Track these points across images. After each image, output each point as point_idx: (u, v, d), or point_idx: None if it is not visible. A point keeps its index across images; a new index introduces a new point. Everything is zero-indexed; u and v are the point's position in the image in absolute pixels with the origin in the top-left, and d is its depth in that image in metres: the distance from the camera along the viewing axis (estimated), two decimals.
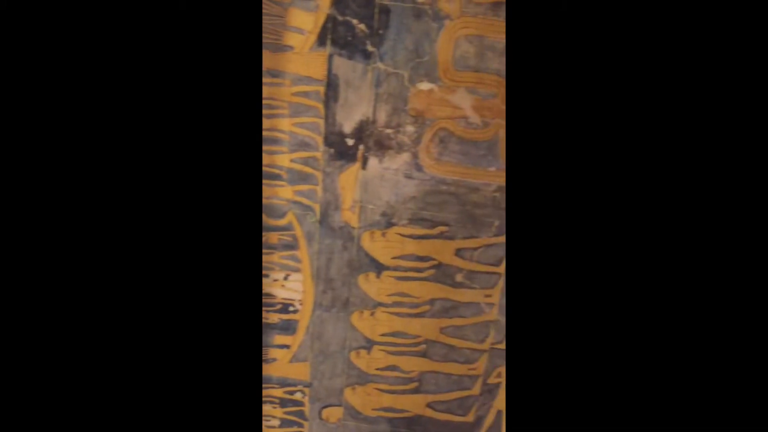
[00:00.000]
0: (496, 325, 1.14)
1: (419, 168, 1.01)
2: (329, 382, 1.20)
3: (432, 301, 1.13)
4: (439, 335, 1.15)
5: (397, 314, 1.14)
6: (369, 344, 1.17)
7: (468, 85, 0.95)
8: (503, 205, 1.04)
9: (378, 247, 1.08)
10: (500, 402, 1.21)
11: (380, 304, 1.13)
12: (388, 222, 1.06)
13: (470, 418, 1.22)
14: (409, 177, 1.02)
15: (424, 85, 0.96)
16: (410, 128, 0.99)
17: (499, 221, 1.06)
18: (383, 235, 1.07)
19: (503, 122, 0.98)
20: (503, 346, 1.16)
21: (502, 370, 1.18)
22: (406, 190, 1.03)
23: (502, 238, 1.07)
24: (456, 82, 0.95)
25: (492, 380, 1.19)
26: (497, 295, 1.12)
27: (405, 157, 1.01)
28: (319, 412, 1.23)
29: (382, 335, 1.16)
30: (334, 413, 1.22)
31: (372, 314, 1.14)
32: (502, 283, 1.10)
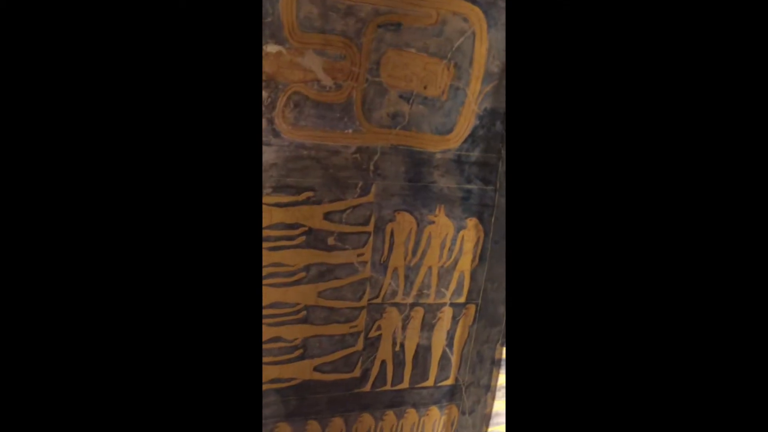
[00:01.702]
0: (371, 281, 1.20)
1: (277, 134, 1.00)
2: None
3: (307, 268, 1.14)
4: (317, 299, 1.18)
5: (273, 285, 1.13)
6: None
7: (316, 47, 0.95)
8: (365, 165, 1.08)
9: None
10: (383, 353, 1.29)
11: None
12: None
13: (357, 373, 1.29)
14: (267, 144, 1.00)
15: (272, 48, 0.94)
16: (263, 93, 0.96)
17: (362, 182, 1.10)
18: None
19: (355, 84, 1.01)
20: (379, 300, 1.23)
21: (381, 322, 1.25)
22: (266, 158, 1.01)
23: (368, 198, 1.12)
24: (303, 44, 0.95)
25: (373, 333, 1.26)
26: (368, 252, 1.17)
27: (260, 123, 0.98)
28: None
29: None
30: None
31: None
32: (371, 240, 1.16)
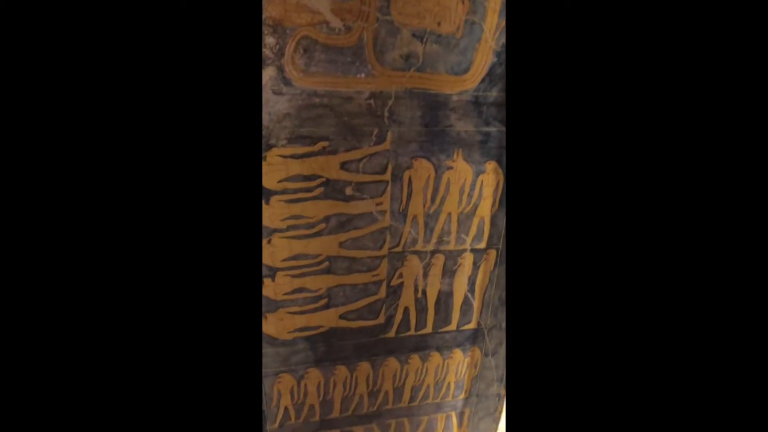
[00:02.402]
0: (391, 230, 1.20)
1: (288, 82, 0.97)
2: None
3: (327, 219, 1.14)
4: (339, 250, 1.19)
5: (295, 237, 1.14)
6: (272, 272, 1.17)
7: None
8: (379, 112, 1.06)
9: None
10: (405, 300, 1.31)
11: (275, 231, 1.12)
12: (266, 144, 1.02)
13: (381, 320, 1.32)
14: (278, 93, 0.98)
15: None
16: (270, 39, 0.93)
17: (377, 129, 1.07)
18: (264, 159, 1.03)
19: (365, 24, 0.96)
20: (400, 248, 1.24)
21: (403, 270, 1.27)
22: (279, 107, 0.99)
23: (384, 146, 1.10)
24: None
25: (395, 282, 1.28)
26: (387, 201, 1.16)
27: (270, 71, 0.95)
28: None
29: (284, 261, 1.16)
30: None
31: (269, 242, 1.13)
32: (389, 189, 1.15)
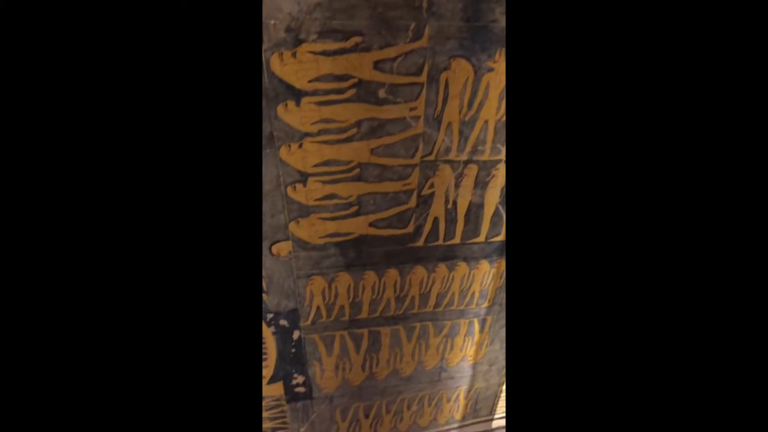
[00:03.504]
0: (424, 137, 1.16)
1: None
2: (272, 220, 1.23)
3: (358, 123, 1.11)
4: (370, 157, 1.17)
5: (326, 142, 1.12)
6: (303, 177, 1.17)
7: None
8: (417, 2, 0.96)
9: (291, 70, 1.00)
10: (435, 210, 1.31)
11: (306, 135, 1.10)
12: (295, 39, 0.96)
13: (410, 229, 1.33)
14: None
15: None
16: None
17: (414, 23, 0.99)
18: (293, 55, 0.98)
19: None
20: (432, 157, 1.20)
21: (434, 180, 1.25)
22: None
23: (421, 42, 1.02)
24: None
25: (425, 191, 1.26)
26: (421, 106, 1.11)
27: None
28: (270, 249, 1.28)
29: (315, 166, 1.16)
30: (284, 247, 1.28)
31: (300, 146, 1.12)
32: (424, 93, 1.09)
